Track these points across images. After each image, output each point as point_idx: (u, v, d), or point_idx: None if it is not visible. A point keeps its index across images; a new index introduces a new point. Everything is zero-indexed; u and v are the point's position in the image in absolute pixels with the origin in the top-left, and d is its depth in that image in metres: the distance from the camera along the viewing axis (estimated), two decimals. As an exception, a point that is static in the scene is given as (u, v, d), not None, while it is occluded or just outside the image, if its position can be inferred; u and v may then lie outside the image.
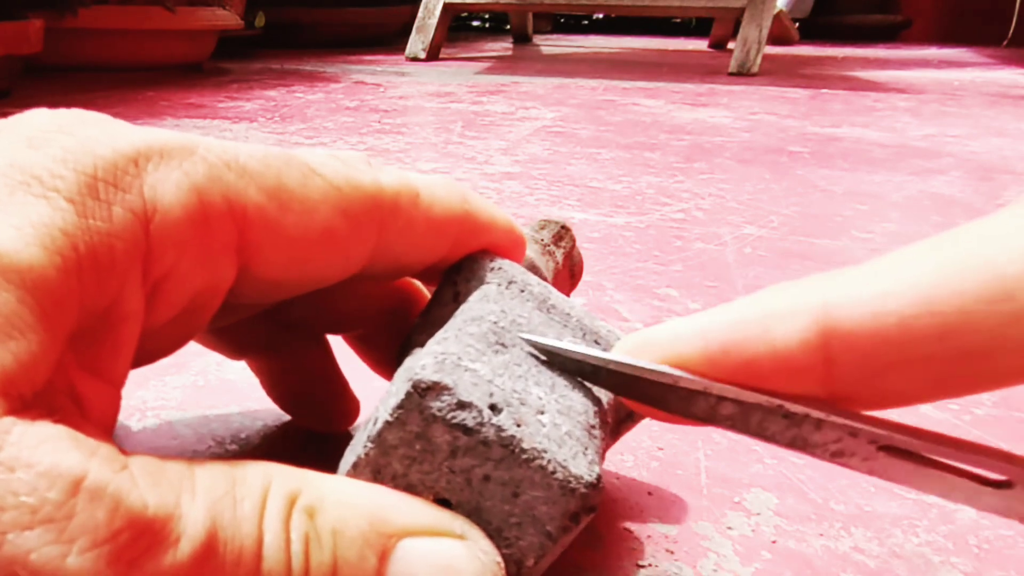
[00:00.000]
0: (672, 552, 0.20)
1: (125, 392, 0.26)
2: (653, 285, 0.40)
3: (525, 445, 0.14)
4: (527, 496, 0.14)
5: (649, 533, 0.21)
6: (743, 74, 1.40)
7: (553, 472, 0.14)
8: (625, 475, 0.23)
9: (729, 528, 0.21)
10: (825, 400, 0.14)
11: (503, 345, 0.16)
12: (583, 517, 0.14)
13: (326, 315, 0.22)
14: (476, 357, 0.15)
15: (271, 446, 0.24)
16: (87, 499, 0.11)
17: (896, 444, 0.13)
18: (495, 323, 0.16)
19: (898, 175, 0.66)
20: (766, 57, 1.46)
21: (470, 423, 0.14)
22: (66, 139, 0.13)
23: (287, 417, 0.25)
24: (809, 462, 0.24)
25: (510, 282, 0.19)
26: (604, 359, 0.15)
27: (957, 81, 1.40)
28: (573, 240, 0.26)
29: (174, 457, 0.13)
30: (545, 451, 0.14)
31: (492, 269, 0.19)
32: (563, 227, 0.26)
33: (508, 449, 0.14)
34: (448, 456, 0.14)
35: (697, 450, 0.25)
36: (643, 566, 0.19)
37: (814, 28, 2.58)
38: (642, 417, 0.19)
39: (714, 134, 0.84)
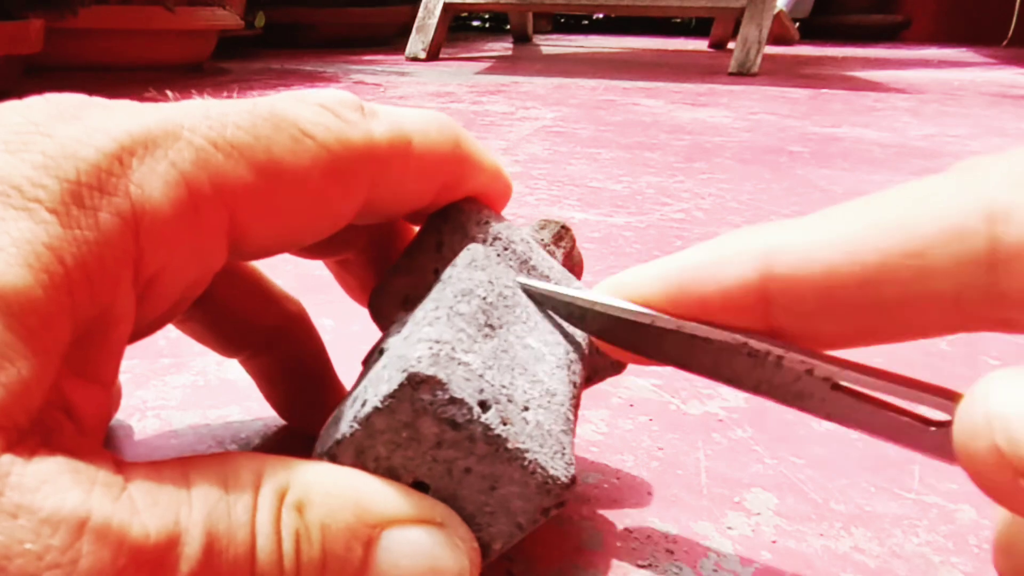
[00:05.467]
0: (672, 552, 0.20)
1: (125, 392, 0.26)
2: (653, 285, 0.40)
3: (509, 445, 0.14)
4: (504, 490, 0.15)
5: (649, 533, 0.21)
6: (743, 74, 1.40)
7: (533, 472, 0.14)
8: (625, 475, 0.23)
9: (729, 528, 0.21)
10: (777, 338, 0.15)
11: (492, 327, 0.16)
12: (553, 511, 0.15)
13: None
14: (468, 346, 0.15)
15: (271, 446, 0.24)
16: (92, 540, 0.11)
17: (848, 380, 0.14)
18: (484, 299, 0.16)
19: (898, 175, 0.66)
20: (766, 57, 1.46)
21: (459, 419, 0.14)
22: (45, 142, 0.13)
23: (287, 417, 0.25)
24: (809, 461, 0.24)
25: (495, 238, 0.19)
26: (590, 301, 0.17)
27: (957, 81, 1.40)
28: (573, 240, 0.26)
29: (169, 462, 0.13)
30: (527, 451, 0.14)
31: (478, 223, 0.19)
32: (563, 227, 0.26)
33: (493, 447, 0.14)
34: (433, 446, 0.14)
35: (697, 450, 0.25)
36: (643, 566, 0.19)
37: (814, 28, 2.58)
38: (619, 370, 0.21)
39: (714, 134, 0.84)
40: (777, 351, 0.15)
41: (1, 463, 0.11)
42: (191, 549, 0.12)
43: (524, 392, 0.15)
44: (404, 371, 0.14)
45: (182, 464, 0.13)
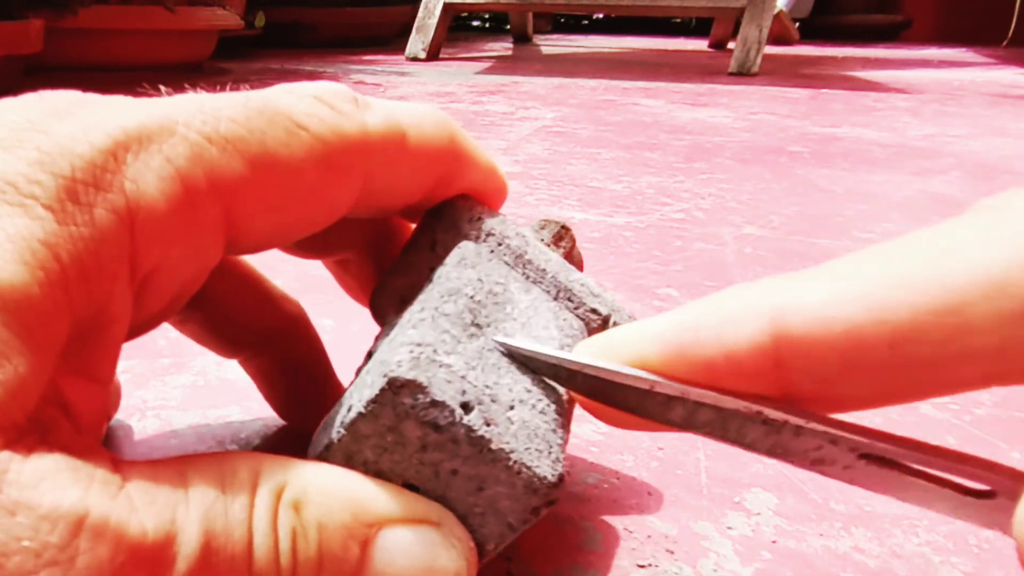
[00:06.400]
0: (672, 552, 0.20)
1: (125, 392, 0.26)
2: (653, 285, 0.40)
3: (493, 446, 0.14)
4: (492, 491, 0.15)
5: (649, 533, 0.21)
6: (743, 74, 1.40)
7: (518, 472, 0.14)
8: (625, 475, 0.23)
9: (729, 528, 0.21)
10: (794, 403, 0.13)
11: (478, 326, 0.16)
12: (543, 511, 0.15)
13: (305, 242, 0.22)
14: (451, 348, 0.15)
15: (271, 446, 0.24)
16: (90, 537, 0.11)
17: (877, 452, 0.13)
18: (471, 297, 0.16)
19: (898, 175, 0.66)
20: (766, 57, 1.46)
21: (441, 421, 0.14)
22: (40, 138, 0.13)
23: (287, 417, 0.25)
24: (809, 462, 0.24)
25: (488, 234, 0.19)
26: (580, 364, 0.15)
27: (957, 81, 1.40)
28: (573, 240, 0.26)
29: (167, 461, 0.13)
30: (512, 451, 0.14)
31: (471, 220, 0.19)
32: (563, 227, 0.26)
33: (476, 448, 0.14)
34: (418, 449, 0.14)
35: (697, 450, 0.25)
36: (643, 566, 0.19)
37: (814, 28, 2.58)
38: None
39: (714, 134, 0.84)
40: (796, 421, 0.13)
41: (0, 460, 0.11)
42: (188, 547, 0.12)
43: (510, 391, 0.15)
44: (385, 376, 0.14)
45: (179, 463, 0.13)
